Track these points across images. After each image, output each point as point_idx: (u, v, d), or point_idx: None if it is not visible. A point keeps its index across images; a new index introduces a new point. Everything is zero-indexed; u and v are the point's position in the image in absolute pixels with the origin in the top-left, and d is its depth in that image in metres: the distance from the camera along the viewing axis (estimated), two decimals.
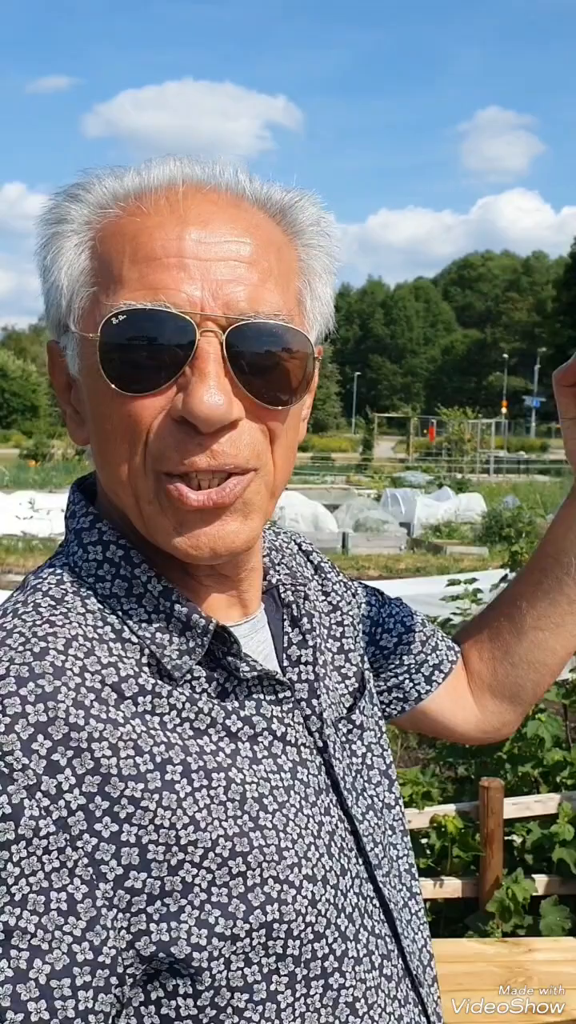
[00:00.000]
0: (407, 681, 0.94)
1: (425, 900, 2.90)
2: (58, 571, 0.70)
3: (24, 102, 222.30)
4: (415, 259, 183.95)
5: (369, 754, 0.83)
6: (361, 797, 0.79)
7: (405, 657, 0.94)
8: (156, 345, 0.63)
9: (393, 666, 0.94)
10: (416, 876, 0.86)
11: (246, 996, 0.63)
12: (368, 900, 0.74)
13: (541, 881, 2.87)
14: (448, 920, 2.94)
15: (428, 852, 2.89)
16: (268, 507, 0.70)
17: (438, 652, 0.96)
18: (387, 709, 0.95)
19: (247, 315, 0.64)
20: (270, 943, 0.64)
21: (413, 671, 0.94)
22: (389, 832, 0.82)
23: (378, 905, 0.76)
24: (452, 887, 2.87)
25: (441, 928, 2.94)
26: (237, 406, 0.64)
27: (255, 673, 0.69)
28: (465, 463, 29.08)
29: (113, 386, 0.64)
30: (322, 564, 0.93)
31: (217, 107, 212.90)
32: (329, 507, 17.38)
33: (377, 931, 0.74)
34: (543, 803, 2.90)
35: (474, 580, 3.65)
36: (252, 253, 0.66)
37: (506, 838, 2.94)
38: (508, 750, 3.03)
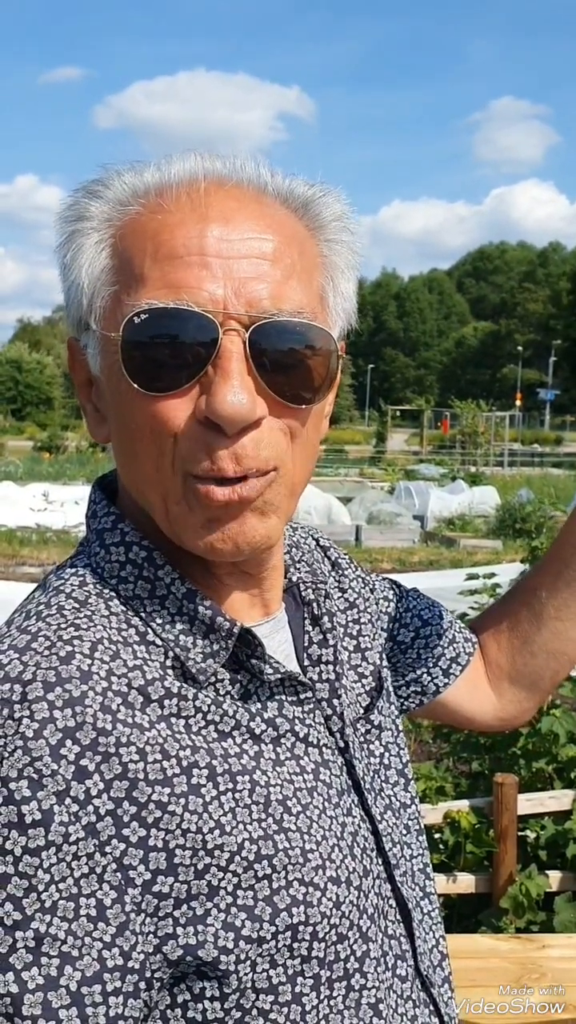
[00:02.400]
0: (425, 675, 0.94)
1: (438, 896, 2.92)
2: (80, 572, 0.70)
3: (37, 93, 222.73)
4: (428, 250, 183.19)
5: (387, 754, 0.83)
6: (380, 797, 0.79)
7: (422, 651, 0.94)
8: (178, 344, 0.62)
9: (410, 660, 0.94)
10: (430, 875, 0.85)
11: (271, 998, 0.63)
12: (385, 900, 0.74)
13: (555, 877, 2.86)
14: (461, 916, 2.94)
15: (442, 848, 2.89)
16: (289, 506, 0.69)
17: (455, 644, 0.95)
18: (405, 703, 0.95)
19: (270, 313, 0.63)
20: (295, 945, 0.64)
21: (431, 665, 0.94)
22: (405, 832, 0.82)
23: (395, 905, 0.76)
24: (465, 883, 2.86)
25: (454, 924, 2.94)
26: (261, 405, 0.64)
27: (279, 675, 0.69)
28: (479, 456, 28.97)
29: (135, 385, 0.63)
30: (339, 560, 0.92)
31: (230, 98, 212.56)
32: (342, 500, 17.37)
33: (391, 932, 0.74)
34: (557, 799, 2.89)
35: (493, 575, 3.63)
36: (275, 250, 0.65)
37: (520, 834, 2.93)
38: (522, 746, 3.02)
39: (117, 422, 0.68)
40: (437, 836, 2.90)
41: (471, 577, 3.64)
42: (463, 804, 2.88)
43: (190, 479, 0.65)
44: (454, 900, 2.95)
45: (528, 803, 2.86)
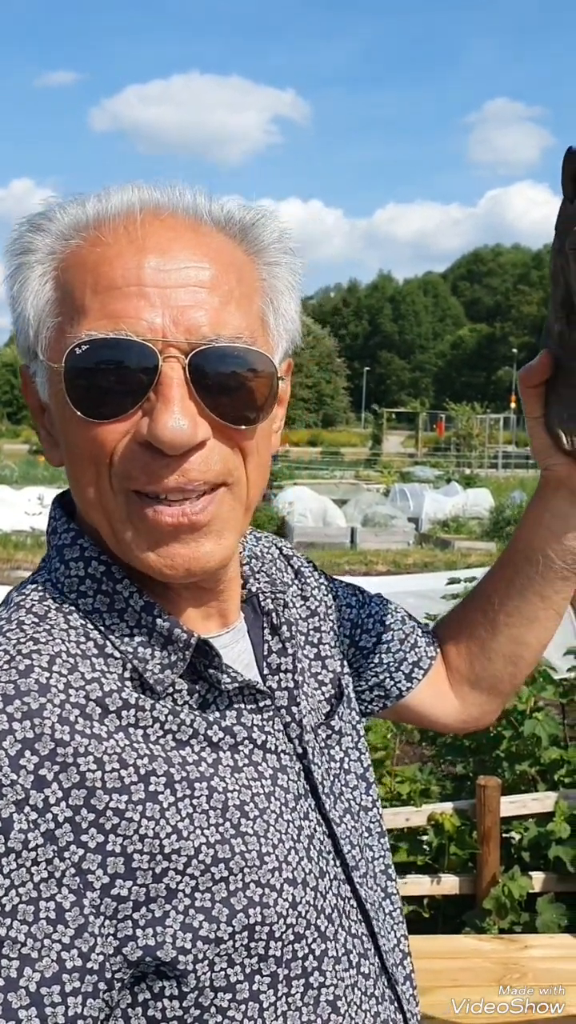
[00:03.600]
0: (388, 679, 0.96)
1: (423, 897, 2.95)
2: (40, 588, 0.72)
3: (32, 97, 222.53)
4: (423, 253, 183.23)
5: (347, 759, 0.84)
6: (339, 801, 0.80)
7: (384, 656, 0.96)
8: (120, 373, 0.65)
9: (373, 665, 0.96)
10: (392, 876, 0.87)
11: (229, 996, 0.65)
12: (346, 901, 0.76)
13: (538, 879, 2.89)
14: (446, 917, 2.97)
15: (426, 849, 2.92)
16: (243, 523, 0.71)
17: (417, 649, 0.97)
18: (369, 706, 0.97)
19: (209, 339, 0.65)
20: (252, 944, 0.66)
21: (393, 669, 0.96)
22: (366, 834, 0.84)
23: (355, 905, 0.78)
24: (450, 884, 2.89)
25: (439, 925, 2.97)
26: (203, 427, 0.66)
27: (236, 684, 0.71)
28: (474, 458, 29.00)
29: (78, 413, 0.66)
30: (302, 568, 0.94)
31: (224, 100, 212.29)
32: (338, 502, 17.36)
33: (354, 931, 0.76)
34: (540, 801, 2.92)
35: (474, 579, 3.65)
36: (212, 277, 0.67)
37: (504, 836, 2.96)
38: (506, 748, 3.05)
39: (66, 446, 0.70)
40: (421, 838, 2.93)
41: (452, 581, 3.67)
42: (447, 806, 2.91)
43: (132, 497, 0.66)
44: (439, 901, 2.98)
45: (511, 805, 2.89)
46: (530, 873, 2.88)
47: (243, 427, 0.68)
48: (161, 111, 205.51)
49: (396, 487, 19.93)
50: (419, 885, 2.89)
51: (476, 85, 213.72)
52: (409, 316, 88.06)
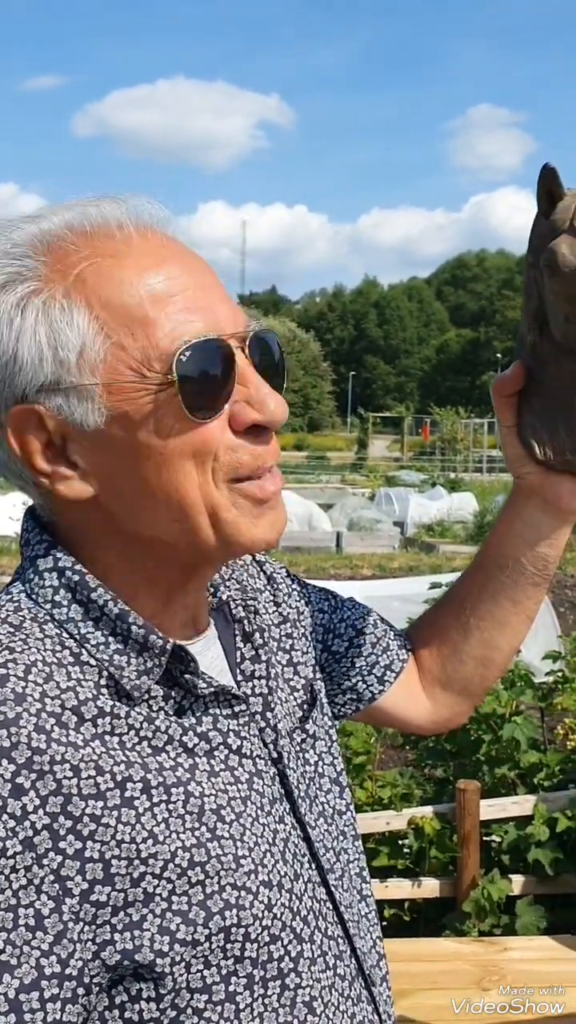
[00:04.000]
0: (360, 683, 0.97)
1: (404, 900, 2.97)
2: (16, 597, 0.73)
3: (15, 102, 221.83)
4: (408, 258, 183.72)
5: (320, 763, 0.86)
6: (314, 804, 0.82)
7: (357, 660, 0.97)
8: (216, 371, 0.68)
9: (345, 669, 0.97)
10: (366, 879, 0.88)
11: (206, 997, 0.66)
12: (322, 903, 0.77)
13: (517, 881, 2.91)
14: (426, 920, 2.99)
15: (407, 853, 2.94)
16: None
17: (389, 652, 0.98)
18: (342, 709, 0.98)
19: (247, 327, 0.71)
20: (228, 946, 0.67)
21: (365, 673, 0.97)
22: (340, 837, 0.85)
23: (331, 908, 0.79)
24: (430, 887, 2.92)
25: (420, 928, 2.99)
26: None
27: (212, 689, 0.72)
28: (458, 462, 29.11)
29: (194, 418, 0.68)
30: (275, 574, 0.95)
31: (210, 105, 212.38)
32: (323, 506, 17.37)
33: (330, 932, 0.77)
34: (519, 804, 2.95)
35: None
36: (214, 276, 0.73)
37: (485, 839, 2.99)
38: (486, 752, 3.08)
39: (136, 465, 0.69)
40: (402, 842, 2.95)
41: (435, 586, 3.70)
42: (427, 810, 2.93)
43: (233, 486, 0.70)
44: (419, 904, 3.00)
45: (490, 808, 2.92)
46: (509, 876, 2.91)
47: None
48: (146, 116, 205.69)
49: (381, 491, 19.99)
50: (400, 889, 2.91)
51: (460, 91, 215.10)
52: (394, 321, 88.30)
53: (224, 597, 0.84)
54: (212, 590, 0.84)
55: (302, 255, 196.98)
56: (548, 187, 0.75)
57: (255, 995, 0.69)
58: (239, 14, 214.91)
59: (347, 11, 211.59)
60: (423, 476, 24.70)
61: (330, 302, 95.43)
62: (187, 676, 0.72)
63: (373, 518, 16.86)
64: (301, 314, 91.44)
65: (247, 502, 0.71)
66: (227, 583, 0.85)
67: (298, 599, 0.96)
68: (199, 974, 0.66)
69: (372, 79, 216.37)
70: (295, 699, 0.87)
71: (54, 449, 0.70)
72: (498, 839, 2.98)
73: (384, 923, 2.96)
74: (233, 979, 0.67)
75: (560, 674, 3.27)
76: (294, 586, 0.96)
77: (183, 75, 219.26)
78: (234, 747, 0.74)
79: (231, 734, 0.74)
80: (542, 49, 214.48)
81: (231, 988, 0.67)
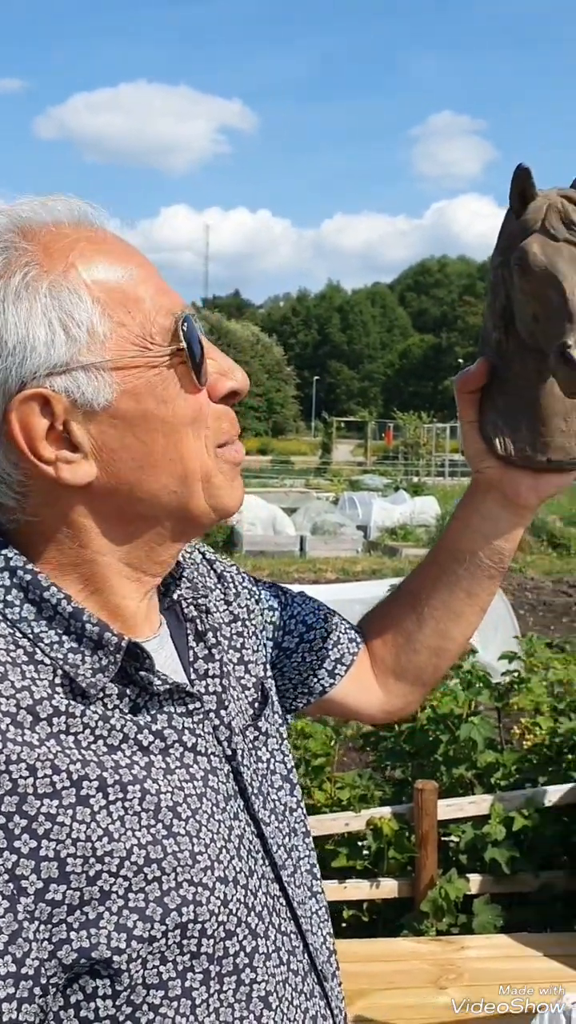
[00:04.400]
0: (311, 677, 0.98)
1: (362, 901, 2.98)
2: None
3: None
4: (370, 264, 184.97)
5: (272, 760, 0.86)
6: (267, 801, 0.82)
7: (307, 655, 0.98)
8: (201, 340, 0.73)
9: (296, 664, 0.98)
10: (317, 876, 0.89)
11: (162, 993, 0.66)
12: (275, 899, 0.78)
13: (475, 880, 2.94)
14: (385, 920, 3.00)
15: (366, 854, 2.95)
16: None
17: (340, 646, 0.99)
18: (293, 703, 0.99)
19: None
20: (185, 942, 0.67)
21: (316, 667, 0.98)
22: (292, 834, 0.86)
23: (284, 903, 0.79)
24: (388, 888, 2.93)
25: (378, 928, 3.00)
26: None
27: (167, 687, 0.73)
28: (421, 466, 29.34)
29: (199, 383, 0.73)
30: (225, 572, 0.96)
31: (172, 109, 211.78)
32: (287, 510, 17.40)
33: (284, 928, 0.78)
34: (476, 804, 2.97)
35: None
36: None
37: (444, 839, 3.01)
38: (443, 752, 3.10)
39: (144, 437, 0.72)
40: (361, 843, 2.96)
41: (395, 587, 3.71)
42: (385, 811, 2.94)
43: (218, 451, 0.76)
44: (378, 905, 3.01)
45: (448, 808, 2.94)
46: (467, 875, 2.93)
47: None
48: (108, 119, 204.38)
49: (345, 495, 20.07)
50: (359, 889, 2.92)
51: (421, 98, 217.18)
52: (357, 326, 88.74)
53: (176, 596, 0.84)
54: (163, 589, 0.84)
55: (265, 259, 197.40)
56: (521, 187, 0.76)
57: (211, 990, 0.69)
58: (202, 20, 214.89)
59: (310, 19, 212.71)
60: (386, 480, 24.85)
61: (294, 306, 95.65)
62: (142, 673, 0.72)
63: (337, 522, 16.93)
64: (265, 318, 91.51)
65: (228, 467, 0.76)
66: (178, 582, 0.86)
67: (248, 597, 0.96)
68: (155, 970, 0.66)
69: (335, 86, 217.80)
70: (247, 697, 0.87)
71: (55, 434, 0.70)
72: (456, 839, 3.00)
73: (343, 924, 2.97)
74: (189, 975, 0.68)
75: (516, 674, 3.31)
76: (244, 584, 0.97)
77: (145, 79, 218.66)
78: (189, 745, 0.74)
79: (186, 732, 0.75)
80: (502, 57, 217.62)
81: (187, 984, 0.68)
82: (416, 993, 2.51)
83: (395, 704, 1.03)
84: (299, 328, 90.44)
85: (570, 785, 2.98)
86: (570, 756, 3.14)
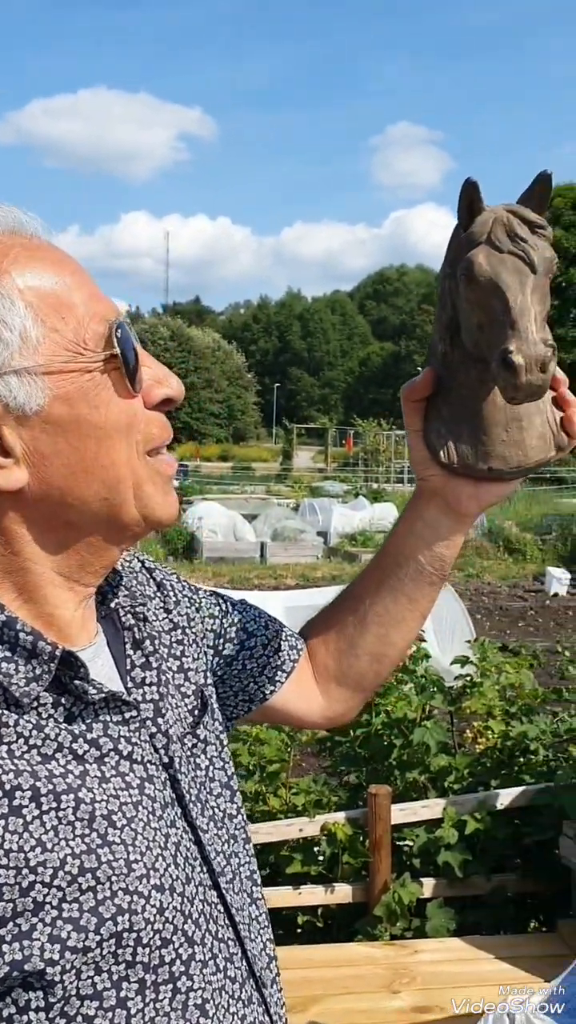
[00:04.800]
0: (251, 684, 0.98)
1: (317, 907, 2.98)
2: None
3: None
4: (330, 272, 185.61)
5: (212, 767, 0.86)
6: (205, 809, 0.82)
7: (248, 663, 0.98)
8: (135, 347, 0.73)
9: (236, 671, 0.98)
10: (257, 882, 0.89)
11: (96, 1003, 0.66)
12: (213, 906, 0.78)
13: (428, 884, 2.95)
14: (340, 926, 3.00)
15: (320, 859, 2.95)
16: None
17: (280, 653, 1.00)
18: (235, 710, 0.99)
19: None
20: (119, 951, 0.67)
21: (256, 675, 0.98)
22: (232, 841, 0.86)
23: (222, 911, 0.79)
24: (343, 893, 2.93)
25: (334, 933, 3.00)
26: None
27: (102, 695, 0.72)
28: (380, 473, 29.55)
29: (133, 388, 0.73)
30: (165, 581, 0.96)
31: (132, 116, 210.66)
32: (247, 517, 17.39)
33: (221, 935, 0.78)
34: (429, 808, 2.99)
35: None
36: None
37: (399, 843, 3.03)
38: (397, 756, 3.12)
39: (76, 442, 0.71)
40: (316, 848, 2.97)
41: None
42: (339, 816, 2.95)
43: (149, 459, 0.75)
44: (333, 910, 3.02)
45: (401, 813, 2.95)
46: (420, 879, 2.94)
47: None
48: (68, 125, 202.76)
49: (306, 502, 20.13)
50: (313, 895, 2.92)
51: (380, 109, 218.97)
52: (318, 333, 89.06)
53: (113, 605, 0.84)
54: (101, 598, 0.83)
55: (226, 266, 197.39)
56: (469, 201, 0.78)
57: (146, 1000, 0.69)
58: (161, 27, 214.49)
59: (270, 29, 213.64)
60: (346, 487, 24.97)
61: (255, 314, 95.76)
62: (77, 682, 0.71)
63: (297, 528, 16.96)
64: (226, 325, 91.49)
65: (160, 478, 0.76)
66: (116, 591, 0.85)
67: (188, 605, 0.96)
68: (89, 981, 0.65)
69: (294, 95, 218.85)
70: (186, 704, 0.87)
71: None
72: (410, 843, 3.02)
73: (298, 930, 2.97)
74: (124, 984, 0.67)
75: (468, 678, 3.35)
76: (184, 592, 0.97)
77: (104, 85, 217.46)
78: (125, 753, 0.74)
79: (122, 740, 0.74)
80: (459, 69, 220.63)
81: (122, 994, 0.67)
82: (369, 998, 2.52)
83: (336, 710, 1.04)
84: (260, 335, 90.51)
85: (521, 788, 3.02)
86: (521, 759, 3.18)
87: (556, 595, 12.72)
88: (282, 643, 1.01)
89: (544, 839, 2.95)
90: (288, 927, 2.99)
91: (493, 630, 9.86)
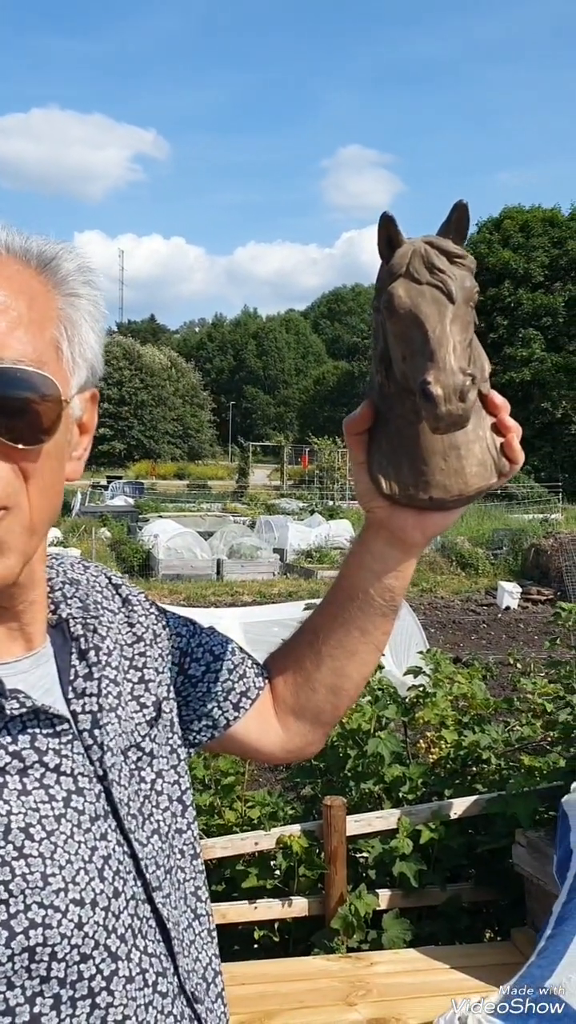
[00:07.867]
0: (215, 709, 0.98)
1: (273, 921, 2.96)
2: None
3: None
4: (283, 291, 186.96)
5: (159, 780, 0.86)
6: (147, 822, 0.82)
7: (213, 685, 0.98)
8: None
9: (201, 694, 0.98)
10: (202, 898, 0.88)
11: (9, 1020, 0.65)
12: (144, 921, 0.77)
13: (384, 895, 2.95)
14: (297, 940, 2.98)
15: (276, 873, 2.93)
16: (27, 545, 0.72)
17: (245, 679, 1.00)
18: (197, 736, 0.98)
19: None
20: (33, 966, 0.66)
21: (221, 699, 0.98)
22: (177, 856, 0.85)
23: (155, 925, 0.78)
24: (299, 906, 2.91)
25: (291, 947, 2.98)
26: None
27: (24, 710, 0.72)
28: (336, 490, 29.70)
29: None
30: (130, 597, 0.96)
31: (86, 137, 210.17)
32: (204, 534, 17.35)
33: (151, 950, 0.77)
34: (384, 819, 2.99)
35: None
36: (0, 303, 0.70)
37: (355, 855, 3.02)
38: (352, 767, 3.12)
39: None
40: (272, 862, 2.95)
41: (309, 607, 3.75)
42: (295, 828, 2.93)
43: None
44: (290, 924, 3.00)
45: (356, 824, 2.95)
46: (376, 891, 2.94)
47: (21, 446, 0.69)
48: (20, 145, 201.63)
49: (262, 519, 20.15)
50: (270, 909, 2.90)
51: (331, 132, 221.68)
52: (273, 352, 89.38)
53: (64, 615, 0.84)
54: (52, 607, 0.83)
55: (180, 285, 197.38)
56: (387, 234, 0.78)
57: (62, 1015, 0.68)
58: (114, 50, 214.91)
59: (222, 53, 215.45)
60: (302, 504, 25.08)
61: (210, 332, 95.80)
62: None
63: (253, 545, 16.96)
64: (181, 343, 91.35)
65: None
66: (68, 601, 0.85)
67: (155, 621, 0.96)
68: (1, 996, 0.65)
69: (247, 117, 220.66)
70: (143, 715, 0.87)
71: None
72: (366, 854, 3.02)
73: (255, 945, 2.94)
74: (39, 999, 0.66)
75: (422, 688, 3.37)
76: (151, 609, 0.97)
77: (57, 106, 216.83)
78: (51, 765, 0.74)
79: (50, 752, 0.74)
80: (408, 94, 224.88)
81: (36, 1009, 0.66)
82: (326, 1011, 2.50)
83: (296, 743, 1.03)
84: (215, 353, 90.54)
85: (474, 797, 3.04)
86: (474, 768, 3.21)
87: (508, 608, 12.90)
88: (248, 670, 1.01)
89: (497, 847, 2.97)
90: (245, 942, 2.96)
91: (447, 643, 9.95)
